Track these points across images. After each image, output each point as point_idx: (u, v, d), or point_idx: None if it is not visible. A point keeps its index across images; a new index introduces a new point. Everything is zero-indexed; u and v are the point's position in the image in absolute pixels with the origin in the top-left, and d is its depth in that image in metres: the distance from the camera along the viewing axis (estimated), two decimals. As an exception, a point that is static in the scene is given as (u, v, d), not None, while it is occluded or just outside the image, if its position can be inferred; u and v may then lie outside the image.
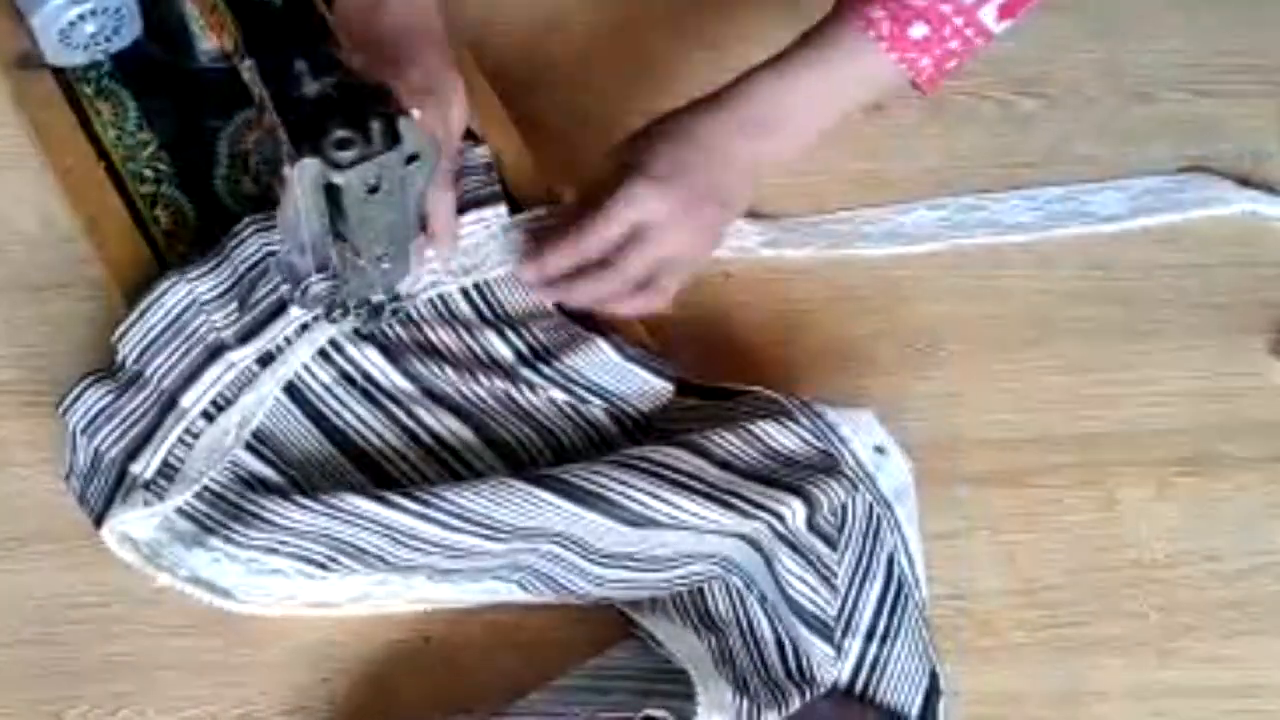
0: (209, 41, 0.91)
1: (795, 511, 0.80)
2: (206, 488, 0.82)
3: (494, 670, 0.82)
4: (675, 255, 0.85)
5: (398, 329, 0.87)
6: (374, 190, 0.74)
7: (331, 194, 0.74)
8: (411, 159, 0.74)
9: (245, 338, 0.84)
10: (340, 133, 0.71)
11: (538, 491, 0.79)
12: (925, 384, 0.91)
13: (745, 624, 0.82)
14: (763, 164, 0.87)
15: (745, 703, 0.77)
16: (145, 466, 0.82)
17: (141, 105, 0.93)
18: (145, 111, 0.93)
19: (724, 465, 0.82)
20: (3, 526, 0.84)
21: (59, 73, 0.93)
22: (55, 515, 0.84)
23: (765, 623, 0.82)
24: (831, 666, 0.80)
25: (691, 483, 0.80)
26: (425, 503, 0.80)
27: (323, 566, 0.81)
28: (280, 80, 0.73)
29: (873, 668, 0.82)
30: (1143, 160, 0.99)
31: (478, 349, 0.87)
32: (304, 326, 0.85)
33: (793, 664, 0.80)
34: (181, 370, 0.84)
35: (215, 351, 0.84)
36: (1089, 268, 0.96)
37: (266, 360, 0.85)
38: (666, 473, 0.81)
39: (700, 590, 0.83)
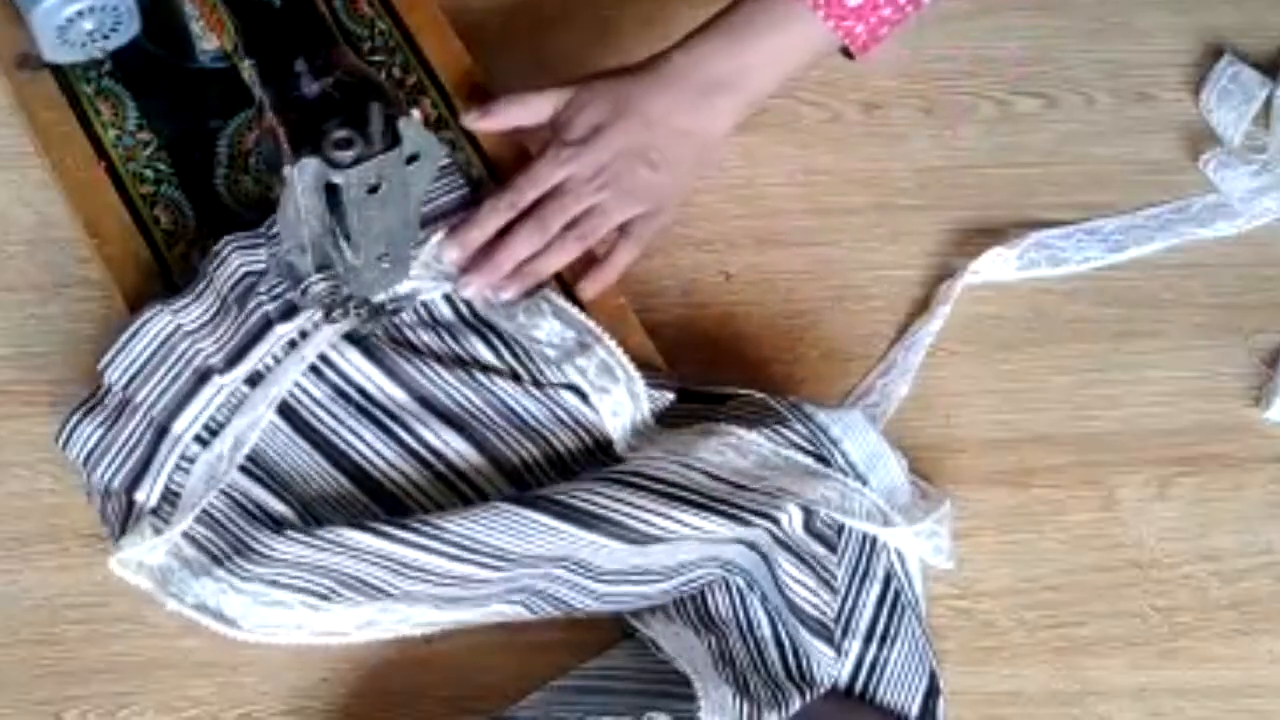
0: (209, 41, 0.91)
1: (792, 516, 0.80)
2: (212, 516, 0.81)
3: (494, 671, 0.82)
4: (599, 209, 0.87)
5: (384, 339, 0.86)
6: (374, 190, 0.74)
7: (331, 194, 0.74)
8: (411, 159, 0.74)
9: (232, 360, 0.84)
10: (340, 133, 0.71)
11: (535, 515, 0.79)
12: (926, 384, 0.91)
13: (745, 623, 0.82)
14: (699, 129, 0.89)
15: (746, 705, 0.77)
16: (148, 494, 0.82)
17: (141, 105, 0.93)
18: (145, 111, 0.92)
19: (717, 477, 0.81)
20: (3, 526, 0.84)
21: (59, 73, 0.93)
22: (55, 515, 0.84)
23: (765, 621, 0.81)
24: (832, 667, 0.80)
25: (687, 495, 0.80)
26: (423, 533, 0.79)
27: (325, 598, 0.80)
28: (280, 80, 0.73)
29: (872, 669, 0.82)
30: (1142, 160, 0.99)
31: (463, 353, 0.87)
32: (291, 343, 0.84)
33: (792, 664, 0.80)
34: (172, 397, 0.83)
35: (204, 376, 0.83)
36: (1090, 267, 0.96)
37: (256, 380, 0.84)
38: (661, 487, 0.80)
39: (700, 590, 0.83)
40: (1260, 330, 0.94)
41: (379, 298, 0.84)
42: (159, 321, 0.84)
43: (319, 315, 0.84)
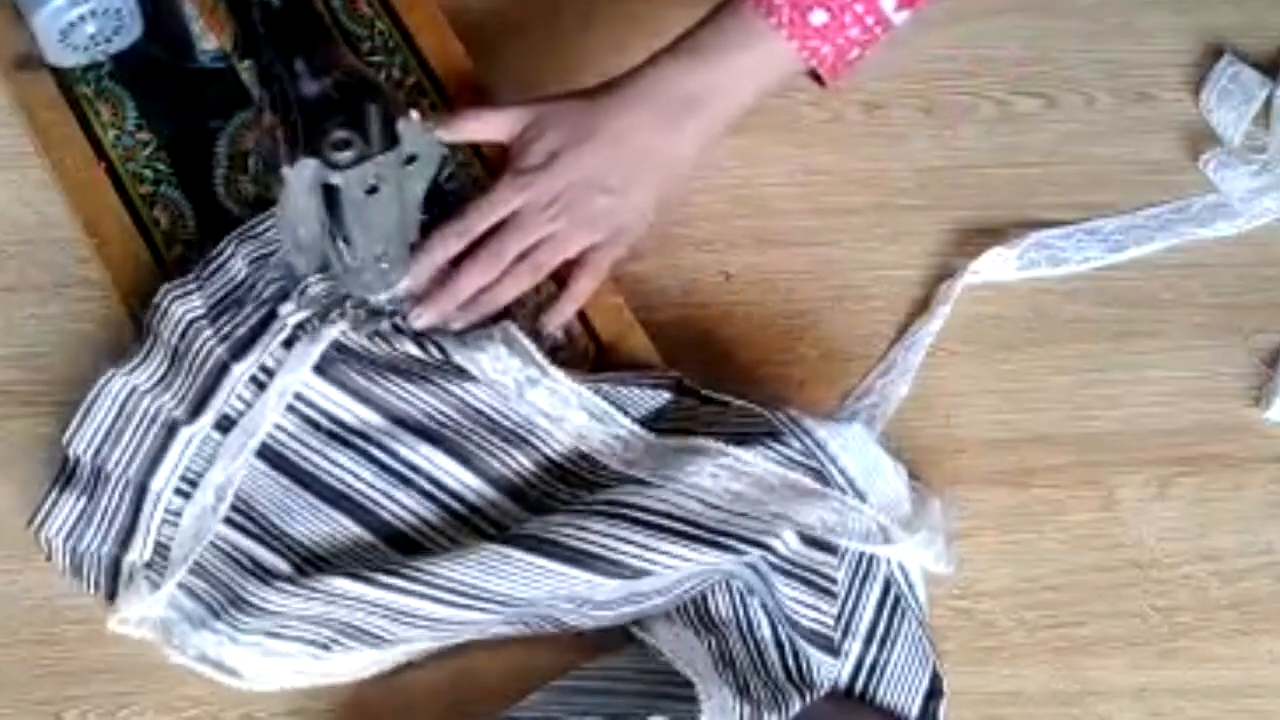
0: (209, 41, 0.91)
1: (787, 541, 0.79)
2: (205, 569, 0.81)
3: (494, 671, 0.82)
4: (554, 238, 0.86)
5: (350, 366, 0.85)
6: (372, 191, 0.74)
7: (330, 194, 0.74)
8: (410, 160, 0.74)
9: (196, 410, 0.83)
10: (339, 133, 0.71)
11: (526, 556, 0.78)
12: (926, 384, 0.91)
13: (745, 624, 0.81)
14: (665, 149, 0.87)
15: (747, 706, 0.77)
16: (140, 553, 0.82)
17: (141, 105, 0.93)
18: (145, 112, 0.93)
19: (711, 504, 0.80)
20: (3, 526, 0.84)
21: (59, 73, 0.93)
22: (55, 515, 0.84)
23: (766, 623, 0.81)
24: (831, 669, 0.80)
25: (680, 526, 0.79)
26: (413, 579, 0.78)
27: (326, 648, 0.80)
28: (280, 80, 0.73)
29: (872, 670, 0.82)
30: (1142, 160, 0.99)
31: (411, 357, 0.85)
32: (254, 380, 0.84)
33: (792, 666, 0.80)
34: (144, 456, 0.82)
35: (171, 429, 0.83)
36: (1090, 267, 0.96)
37: (227, 426, 0.83)
38: (654, 519, 0.79)
39: (701, 592, 0.83)
40: (1260, 330, 0.94)
41: (377, 298, 0.84)
42: (114, 386, 0.83)
43: (276, 345, 0.84)
